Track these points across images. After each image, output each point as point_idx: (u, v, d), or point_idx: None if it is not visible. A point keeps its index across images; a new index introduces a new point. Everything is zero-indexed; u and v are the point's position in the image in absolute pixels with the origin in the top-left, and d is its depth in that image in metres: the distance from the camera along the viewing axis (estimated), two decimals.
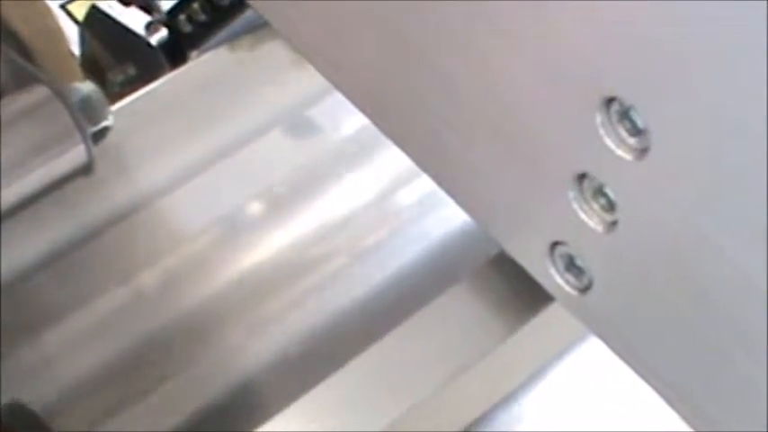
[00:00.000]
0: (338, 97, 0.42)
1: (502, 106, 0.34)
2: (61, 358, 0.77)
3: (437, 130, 0.38)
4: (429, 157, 0.40)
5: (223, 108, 0.88)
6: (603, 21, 0.29)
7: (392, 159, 0.84)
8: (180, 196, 0.84)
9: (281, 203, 0.85)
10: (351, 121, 0.86)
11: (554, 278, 0.36)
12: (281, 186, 0.85)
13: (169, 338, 0.79)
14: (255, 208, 0.85)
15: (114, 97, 0.88)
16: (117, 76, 0.97)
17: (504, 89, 0.33)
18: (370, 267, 0.81)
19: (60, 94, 0.77)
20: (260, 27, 0.90)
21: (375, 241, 0.83)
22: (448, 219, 0.81)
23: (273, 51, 0.90)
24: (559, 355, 0.69)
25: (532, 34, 0.31)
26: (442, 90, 0.36)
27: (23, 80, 0.78)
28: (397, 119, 0.40)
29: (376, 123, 0.41)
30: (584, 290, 0.35)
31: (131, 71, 0.97)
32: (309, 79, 0.86)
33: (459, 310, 0.63)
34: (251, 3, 0.45)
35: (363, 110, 0.41)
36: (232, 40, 0.93)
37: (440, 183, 0.40)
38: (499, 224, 0.38)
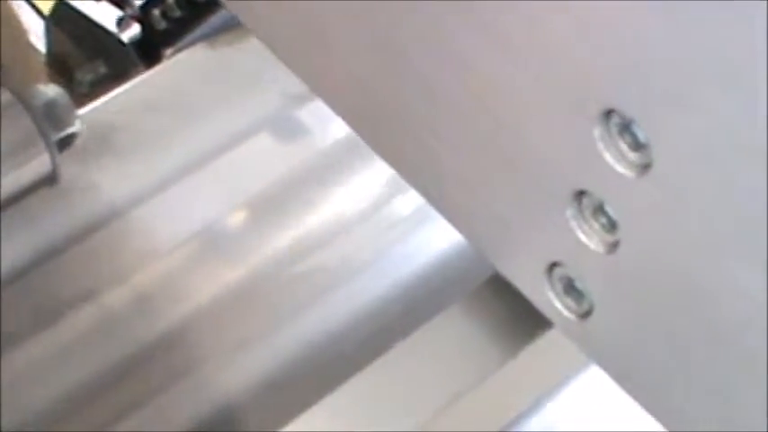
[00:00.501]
0: None
1: (492, 116, 0.34)
2: (24, 382, 0.76)
3: (424, 141, 0.37)
4: (416, 171, 0.39)
5: (201, 111, 0.88)
6: (599, 24, 0.29)
7: (385, 167, 0.83)
8: (154, 208, 0.84)
9: (264, 215, 0.84)
10: (341, 123, 0.86)
11: (552, 302, 0.36)
12: (265, 196, 0.85)
13: (143, 362, 0.78)
14: (237, 219, 0.85)
15: (83, 97, 0.87)
16: (86, 75, 0.97)
17: (494, 97, 0.33)
18: (359, 285, 0.81)
19: (22, 98, 0.77)
20: (240, 24, 0.90)
21: (365, 257, 0.83)
22: (443, 234, 0.81)
23: (255, 49, 0.89)
24: (561, 382, 0.69)
25: (522, 38, 0.31)
26: (429, 98, 0.36)
27: None
28: (381, 129, 0.40)
29: (359, 133, 0.41)
30: (585, 315, 0.35)
31: (101, 70, 0.97)
32: (295, 79, 0.86)
33: (454, 334, 0.63)
34: (223, 1, 0.45)
35: (345, 118, 0.41)
36: (210, 37, 0.92)
37: (428, 198, 0.40)
38: (492, 243, 0.38)
